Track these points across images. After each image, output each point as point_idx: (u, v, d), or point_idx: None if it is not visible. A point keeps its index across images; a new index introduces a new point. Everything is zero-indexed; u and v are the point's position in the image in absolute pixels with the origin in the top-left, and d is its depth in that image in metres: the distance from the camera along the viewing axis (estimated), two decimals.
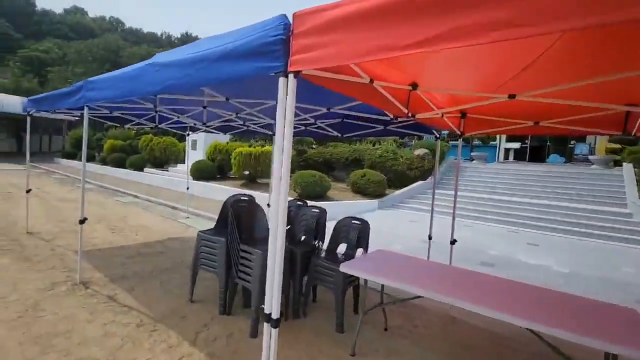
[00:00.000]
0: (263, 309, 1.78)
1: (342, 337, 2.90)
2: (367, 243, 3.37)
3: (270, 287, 1.77)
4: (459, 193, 10.99)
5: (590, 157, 16.11)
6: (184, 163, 12.10)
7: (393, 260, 2.99)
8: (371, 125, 4.43)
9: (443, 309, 3.52)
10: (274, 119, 2.29)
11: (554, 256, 6.09)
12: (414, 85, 2.55)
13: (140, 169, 15.30)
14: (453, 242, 4.10)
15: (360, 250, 3.44)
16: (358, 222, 3.53)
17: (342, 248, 3.54)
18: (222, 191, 10.29)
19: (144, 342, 2.63)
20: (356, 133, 4.90)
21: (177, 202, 8.94)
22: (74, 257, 4.32)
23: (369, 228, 3.42)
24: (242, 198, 3.57)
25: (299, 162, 13.40)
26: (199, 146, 14.34)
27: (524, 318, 1.92)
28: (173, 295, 3.52)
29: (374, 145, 13.65)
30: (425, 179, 12.02)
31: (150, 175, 13.84)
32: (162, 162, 16.36)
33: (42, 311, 3.02)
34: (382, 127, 4.50)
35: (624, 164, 11.26)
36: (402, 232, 7.30)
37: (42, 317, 2.92)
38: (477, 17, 1.08)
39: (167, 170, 15.10)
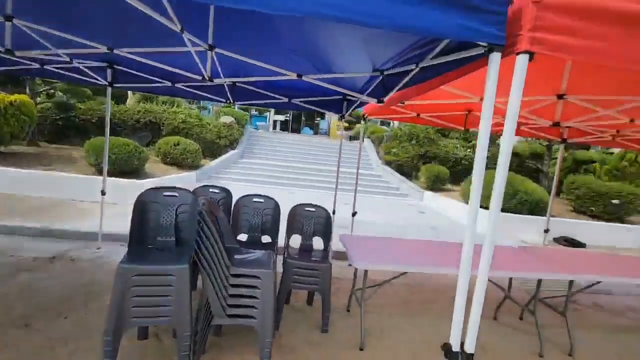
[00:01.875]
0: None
1: (330, 336, 2.62)
2: (331, 232, 3.08)
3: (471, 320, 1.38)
4: (256, 160, 11.48)
5: (343, 132, 20.94)
6: None
7: (376, 245, 2.93)
8: (271, 95, 3.79)
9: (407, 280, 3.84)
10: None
11: (364, 211, 7.86)
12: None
13: None
14: (354, 214, 4.46)
15: (317, 240, 3.09)
16: (313, 210, 3.11)
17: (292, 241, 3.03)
18: None
19: None
20: (252, 102, 4.08)
21: None
22: None
23: (330, 216, 3.12)
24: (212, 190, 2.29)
25: (55, 120, 9.19)
26: None
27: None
28: None
29: (174, 106, 11.47)
30: (235, 148, 11.66)
31: None
32: None
33: None
34: (286, 100, 4.01)
35: (365, 139, 15.70)
36: None
37: None
38: None
39: None
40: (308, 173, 11.16)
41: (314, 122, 28.22)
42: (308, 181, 10.54)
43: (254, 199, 2.94)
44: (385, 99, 2.73)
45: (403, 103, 3.36)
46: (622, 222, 7.89)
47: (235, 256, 2.14)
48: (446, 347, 1.38)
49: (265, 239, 2.93)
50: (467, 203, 7.95)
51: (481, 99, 3.09)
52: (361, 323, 2.56)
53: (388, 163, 12.31)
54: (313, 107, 4.21)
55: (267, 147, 13.27)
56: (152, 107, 10.94)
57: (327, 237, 3.05)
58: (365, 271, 2.58)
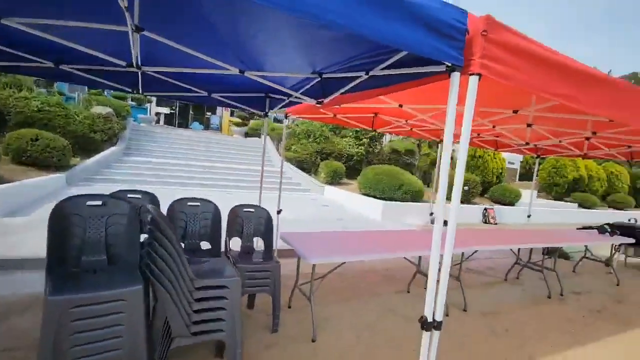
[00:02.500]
0: None
1: (281, 334, 2.65)
2: (272, 232, 3.03)
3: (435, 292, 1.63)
4: (145, 158, 10.35)
5: (236, 128, 20.19)
6: None
7: (316, 240, 3.03)
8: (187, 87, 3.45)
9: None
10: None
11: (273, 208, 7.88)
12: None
13: None
14: (279, 211, 4.48)
15: (257, 241, 3.02)
16: (252, 210, 3.01)
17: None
18: None
19: None
20: (165, 93, 3.61)
21: None
22: None
23: (270, 216, 3.07)
24: (136, 196, 1.92)
25: None
26: None
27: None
28: None
29: (20, 90, 8.86)
30: (116, 144, 9.89)
31: None
32: None
33: None
34: (206, 94, 3.72)
35: (262, 135, 15.56)
36: None
37: None
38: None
39: None
40: (211, 172, 10.44)
41: (204, 117, 26.30)
42: (214, 180, 9.86)
43: (189, 203, 2.66)
44: (326, 101, 2.85)
45: (340, 105, 3.55)
46: (469, 203, 10.21)
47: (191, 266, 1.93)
48: (422, 320, 1.61)
49: (205, 245, 2.69)
50: (364, 195, 8.88)
51: (400, 105, 3.56)
52: (312, 316, 2.65)
53: (289, 160, 12.58)
54: (235, 104, 4.01)
55: (158, 143, 11.74)
56: None
57: (268, 237, 3.00)
58: (314, 265, 2.67)
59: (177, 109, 24.69)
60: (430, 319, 1.61)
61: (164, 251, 1.64)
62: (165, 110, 23.92)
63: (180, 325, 1.72)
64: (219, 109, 28.18)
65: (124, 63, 2.56)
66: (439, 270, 1.63)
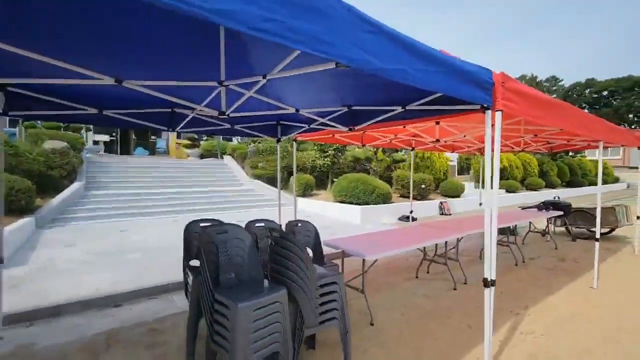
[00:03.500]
0: None
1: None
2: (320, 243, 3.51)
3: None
4: (109, 191, 9.89)
5: (188, 151, 19.49)
6: None
7: (358, 241, 3.56)
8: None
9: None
10: None
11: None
12: None
13: None
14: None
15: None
16: (300, 225, 3.46)
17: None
18: None
19: None
20: (195, 129, 3.88)
21: None
22: None
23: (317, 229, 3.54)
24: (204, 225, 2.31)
25: None
26: None
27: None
28: None
29: None
30: (75, 180, 9.17)
31: None
32: None
33: None
34: (228, 126, 4.08)
35: (225, 156, 15.45)
36: (139, 246, 5.98)
37: None
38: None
39: None
40: (180, 197, 10.20)
41: (149, 141, 24.78)
42: (184, 206, 9.67)
43: (257, 224, 3.02)
44: (356, 128, 3.46)
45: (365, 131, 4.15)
46: (426, 199, 11.55)
47: None
48: (484, 280, 2.29)
49: None
50: (340, 202, 9.58)
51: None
52: (367, 305, 3.20)
53: (257, 177, 12.79)
54: (254, 132, 4.40)
55: (114, 174, 11.04)
56: None
57: (318, 248, 3.47)
58: (364, 261, 3.24)
59: (118, 135, 22.93)
60: (489, 279, 2.30)
61: (299, 259, 2.08)
62: (104, 137, 22.07)
63: (312, 317, 2.16)
64: (164, 133, 26.90)
65: (218, 112, 2.87)
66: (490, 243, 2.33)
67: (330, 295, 2.30)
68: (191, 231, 2.72)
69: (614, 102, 40.04)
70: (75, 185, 8.73)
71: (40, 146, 9.00)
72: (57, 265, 4.52)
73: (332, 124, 3.60)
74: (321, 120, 3.61)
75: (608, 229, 7.26)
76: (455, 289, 4.07)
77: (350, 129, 3.53)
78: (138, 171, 12.02)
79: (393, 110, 2.98)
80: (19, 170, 7.83)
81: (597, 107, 40.90)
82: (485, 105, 2.25)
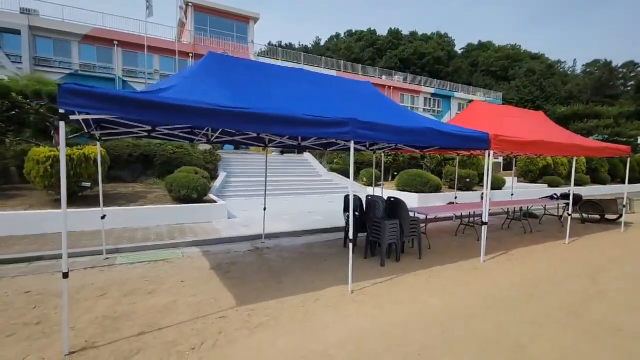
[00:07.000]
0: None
1: (406, 252, 6.32)
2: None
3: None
4: (239, 178, 13.51)
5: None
6: None
7: (426, 209, 6.66)
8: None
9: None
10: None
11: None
12: None
13: None
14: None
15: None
16: (393, 199, 6.66)
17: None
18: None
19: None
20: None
21: None
22: None
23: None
24: (368, 195, 5.57)
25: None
26: None
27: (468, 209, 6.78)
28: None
29: None
30: (218, 170, 13.36)
31: None
32: None
33: None
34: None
35: (305, 152, 19.16)
36: (289, 211, 9.65)
37: None
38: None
39: None
40: (281, 183, 14.00)
41: None
42: (285, 190, 13.38)
43: (368, 196, 6.26)
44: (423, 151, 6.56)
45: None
46: (470, 190, 13.98)
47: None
48: (481, 220, 5.29)
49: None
50: (401, 190, 12.57)
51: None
52: (420, 244, 6.33)
53: (333, 170, 16.21)
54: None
55: (238, 166, 15.24)
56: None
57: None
58: (426, 217, 6.36)
59: None
60: (485, 220, 5.28)
61: (403, 208, 5.30)
62: None
63: (406, 231, 5.37)
64: None
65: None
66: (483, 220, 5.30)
67: (413, 225, 5.48)
68: (347, 198, 6.06)
69: None
70: (223, 174, 12.91)
71: (196, 148, 13.33)
72: (255, 219, 8.27)
73: (411, 149, 6.72)
74: (404, 147, 6.74)
75: (616, 216, 9.36)
76: (478, 240, 6.99)
77: (420, 151, 6.64)
78: (251, 164, 16.16)
79: (442, 147, 6.01)
80: (191, 164, 12.12)
81: None
82: (486, 149, 5.21)
